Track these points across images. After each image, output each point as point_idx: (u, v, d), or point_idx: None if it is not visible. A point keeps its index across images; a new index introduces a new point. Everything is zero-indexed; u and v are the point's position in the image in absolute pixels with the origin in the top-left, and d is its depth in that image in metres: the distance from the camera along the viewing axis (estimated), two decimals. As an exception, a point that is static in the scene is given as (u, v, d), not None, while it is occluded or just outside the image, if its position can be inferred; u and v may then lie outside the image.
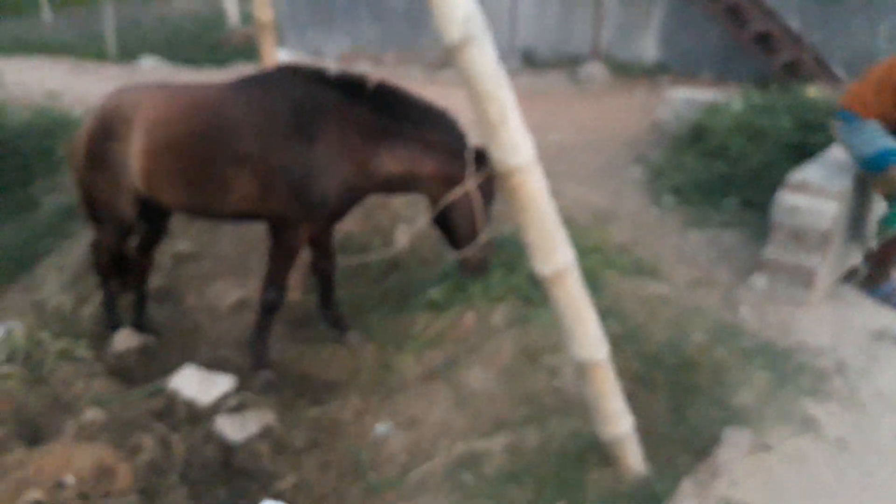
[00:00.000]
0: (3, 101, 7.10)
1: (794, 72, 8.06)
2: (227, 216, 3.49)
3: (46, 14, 25.71)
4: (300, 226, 3.27)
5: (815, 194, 3.72)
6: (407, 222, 4.56)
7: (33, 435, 3.22)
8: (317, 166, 3.11)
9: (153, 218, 3.74)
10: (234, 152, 3.15)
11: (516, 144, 2.10)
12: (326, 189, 3.15)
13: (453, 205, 3.19)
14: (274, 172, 3.12)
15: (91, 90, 9.66)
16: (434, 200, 3.26)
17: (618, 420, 2.50)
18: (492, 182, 3.19)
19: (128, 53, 17.25)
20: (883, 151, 3.56)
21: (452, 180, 3.15)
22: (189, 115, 3.28)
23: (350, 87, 3.16)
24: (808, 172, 3.87)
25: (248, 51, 17.41)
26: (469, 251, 3.27)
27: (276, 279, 3.43)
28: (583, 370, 2.42)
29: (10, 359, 3.85)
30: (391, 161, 3.17)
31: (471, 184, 3.13)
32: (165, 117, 3.29)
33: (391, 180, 3.24)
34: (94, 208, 3.71)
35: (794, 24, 8.31)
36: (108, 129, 3.37)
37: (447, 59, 2.08)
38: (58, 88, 9.11)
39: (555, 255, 2.23)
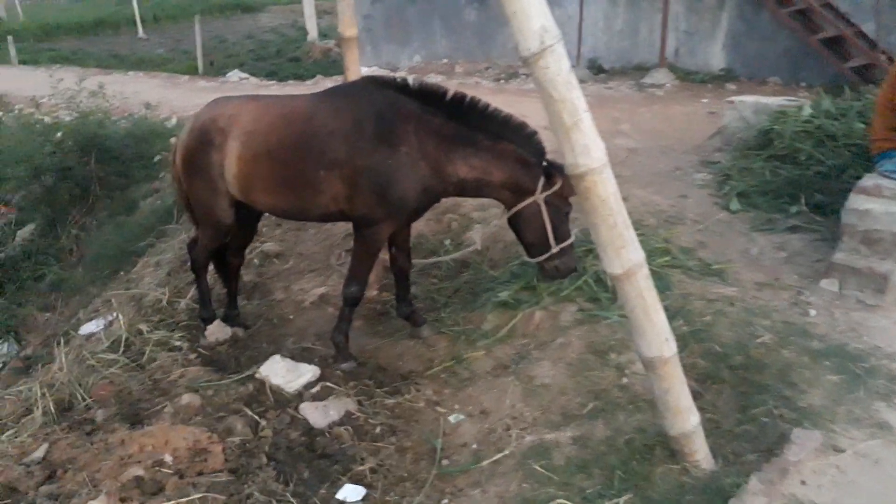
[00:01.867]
0: (106, 111, 7.50)
1: (868, 75, 7.76)
2: (315, 217, 3.68)
3: (140, 31, 26.90)
4: (382, 225, 3.41)
5: (889, 198, 3.59)
6: (481, 224, 4.62)
7: (134, 416, 3.42)
8: (397, 170, 3.25)
9: (246, 220, 3.91)
10: (325, 158, 3.31)
11: (588, 147, 2.13)
12: (406, 191, 3.29)
13: (523, 214, 3.30)
14: (360, 175, 3.27)
15: (183, 102, 10.15)
16: (507, 208, 3.37)
17: (686, 416, 2.49)
18: (564, 196, 3.26)
19: (216, 67, 17.95)
20: None
21: (523, 190, 3.26)
22: (283, 124, 3.45)
23: (429, 97, 3.28)
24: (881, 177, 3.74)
25: (327, 64, 17.88)
26: (544, 258, 3.34)
27: (357, 274, 3.58)
28: (652, 366, 2.42)
29: (113, 348, 4.12)
30: (464, 167, 3.28)
31: (540, 195, 3.20)
32: (261, 127, 3.47)
33: (464, 185, 3.36)
34: (194, 211, 3.91)
35: (868, 27, 7.99)
36: (204, 140, 3.55)
37: (524, 67, 2.13)
38: (153, 100, 9.58)
39: (625, 254, 2.25)
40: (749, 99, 5.98)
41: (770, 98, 6.14)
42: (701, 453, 2.56)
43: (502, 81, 10.57)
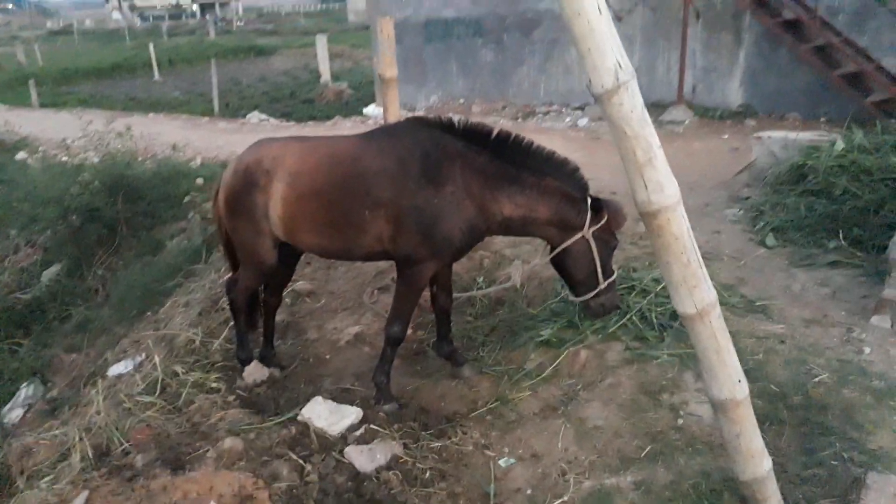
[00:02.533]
0: (133, 152, 7.55)
1: (889, 109, 7.74)
2: (359, 257, 3.63)
3: (156, 75, 27.35)
4: (426, 264, 3.35)
5: (939, 232, 3.52)
6: (519, 261, 4.55)
7: (175, 461, 3.32)
8: (442, 209, 3.21)
9: (286, 260, 3.87)
10: (371, 197, 3.28)
11: (662, 184, 2.08)
12: (451, 230, 3.24)
13: (570, 251, 3.25)
14: (405, 215, 3.24)
15: (206, 143, 10.23)
16: (552, 245, 3.32)
17: (759, 460, 2.39)
18: (611, 230, 3.23)
19: (231, 109, 18.17)
20: None
21: (569, 227, 3.22)
22: (329, 165, 3.43)
23: (473, 136, 3.27)
24: (930, 210, 3.68)
25: (340, 105, 18.08)
26: (589, 296, 3.29)
27: (400, 314, 3.51)
28: (724, 409, 2.33)
29: (148, 390, 4.04)
30: (509, 206, 3.24)
31: (588, 231, 3.16)
32: (306, 168, 3.44)
33: (510, 223, 3.32)
34: (234, 252, 3.87)
35: (888, 61, 8.01)
36: (249, 180, 3.52)
37: (598, 104, 2.09)
38: (176, 142, 9.66)
39: (699, 293, 2.18)
40: (777, 134, 5.96)
41: (797, 133, 6.12)
42: (774, 499, 2.45)
43: (519, 120, 10.63)
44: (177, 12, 62.92)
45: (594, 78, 2.00)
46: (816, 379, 3.18)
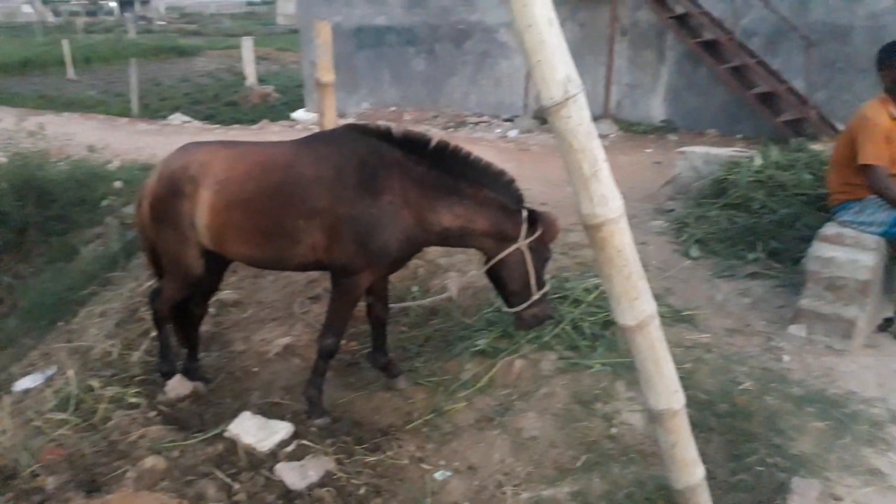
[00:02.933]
0: (46, 153, 7.12)
1: (798, 129, 8.18)
2: (292, 267, 3.52)
3: (71, 73, 26.08)
4: (362, 275, 3.27)
5: (851, 246, 3.71)
6: (457, 273, 4.53)
7: (90, 483, 3.13)
8: (380, 219, 3.14)
9: (214, 269, 3.70)
10: (305, 206, 3.18)
11: (606, 197, 2.09)
12: (388, 240, 3.18)
13: (505, 262, 3.23)
14: (341, 224, 3.15)
15: (125, 144, 9.79)
16: (487, 256, 3.30)
17: (692, 469, 2.43)
18: (545, 242, 3.24)
19: (151, 110, 17.51)
20: (890, 223, 3.68)
21: (505, 238, 3.20)
22: (261, 172, 3.30)
23: (412, 145, 3.21)
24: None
25: (265, 109, 17.70)
26: (523, 307, 3.28)
27: (335, 326, 3.42)
28: (660, 419, 2.35)
29: (61, 406, 3.78)
30: (448, 216, 3.20)
31: (523, 242, 3.16)
32: (236, 175, 3.30)
33: (447, 234, 3.27)
34: (158, 260, 3.68)
35: (799, 84, 8.46)
36: (174, 188, 3.36)
37: (543, 117, 2.08)
38: (92, 143, 9.19)
39: (639, 305, 2.19)
40: (699, 149, 6.18)
41: (719, 149, 6.37)
42: (706, 507, 2.49)
43: (451, 129, 10.66)
44: (93, 8, 60.26)
45: (543, 90, 1.98)
46: (741, 387, 3.28)
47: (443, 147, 3.19)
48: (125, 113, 16.10)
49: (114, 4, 63.54)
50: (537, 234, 3.19)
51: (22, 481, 3.18)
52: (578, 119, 1.99)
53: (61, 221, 6.81)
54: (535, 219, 3.20)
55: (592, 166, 2.04)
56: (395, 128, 3.30)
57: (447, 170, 3.17)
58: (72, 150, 8.35)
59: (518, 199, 3.25)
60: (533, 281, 3.24)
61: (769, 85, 8.56)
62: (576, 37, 10.25)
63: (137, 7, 60.53)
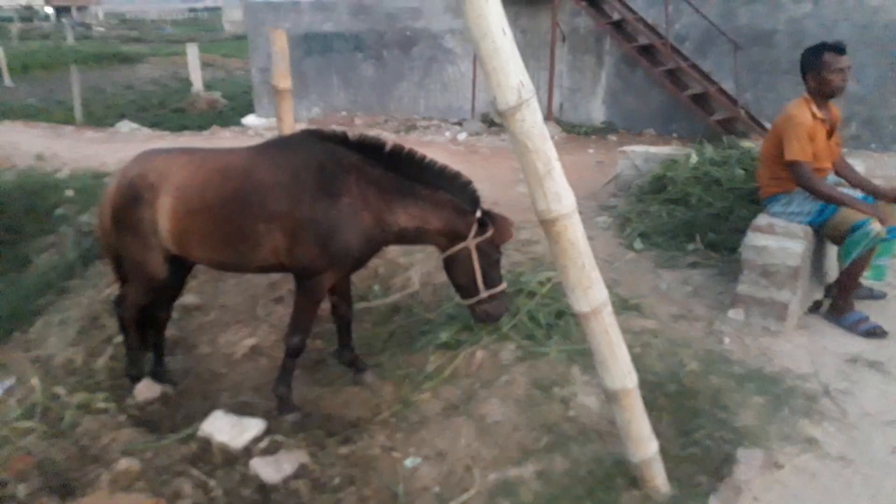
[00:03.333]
0: (-5, 162, 6.92)
1: (729, 127, 8.55)
2: (253, 270, 3.56)
3: (7, 80, 25.12)
4: (324, 275, 3.34)
5: (781, 235, 3.95)
6: (419, 266, 4.62)
7: (63, 489, 3.11)
8: (339, 220, 3.22)
9: (177, 273, 3.71)
10: (265, 211, 3.23)
11: (560, 194, 2.22)
12: (349, 241, 3.26)
13: (455, 258, 3.34)
14: (301, 227, 3.21)
15: (73, 153, 9.51)
16: (441, 252, 3.43)
17: (647, 444, 2.59)
18: (493, 243, 3.34)
19: (95, 118, 17.03)
20: (816, 213, 3.93)
21: (457, 237, 3.31)
22: (220, 179, 3.33)
23: (368, 149, 3.30)
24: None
25: (213, 115, 17.43)
26: (473, 302, 3.40)
27: (300, 325, 3.48)
28: (616, 398, 2.51)
29: (26, 415, 3.73)
30: (404, 217, 3.30)
31: (471, 241, 3.28)
32: (195, 182, 3.33)
33: (405, 234, 3.38)
34: (121, 267, 3.67)
35: (728, 85, 8.84)
36: (133, 195, 3.37)
37: (492, 120, 2.20)
38: (37, 151, 8.94)
39: (592, 293, 2.34)
40: (639, 149, 6.42)
41: (657, 147, 6.63)
42: (660, 478, 2.66)
43: (402, 133, 10.73)
44: (27, 14, 57.93)
45: (498, 95, 2.11)
46: (687, 368, 3.47)
47: (398, 151, 3.29)
48: (69, 121, 15.59)
49: (50, 10, 61.26)
50: (486, 235, 3.29)
51: (-8, 490, 3.14)
52: (532, 122, 2.12)
53: (11, 232, 6.62)
54: (485, 220, 3.31)
55: (546, 165, 2.18)
56: (352, 132, 3.39)
57: (403, 172, 3.28)
58: (17, 160, 8.09)
59: (473, 200, 3.35)
60: (479, 278, 3.33)
61: (701, 86, 8.92)
62: (519, 42, 10.36)
63: (75, 13, 58.55)
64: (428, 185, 3.28)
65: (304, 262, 3.29)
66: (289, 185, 3.21)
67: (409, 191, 3.27)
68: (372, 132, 10.89)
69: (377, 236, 3.34)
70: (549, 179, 2.21)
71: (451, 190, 3.31)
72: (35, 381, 3.89)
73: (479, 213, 3.31)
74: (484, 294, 3.35)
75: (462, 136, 10.12)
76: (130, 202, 3.37)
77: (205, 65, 24.49)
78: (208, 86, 22.78)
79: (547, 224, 2.28)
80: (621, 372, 2.47)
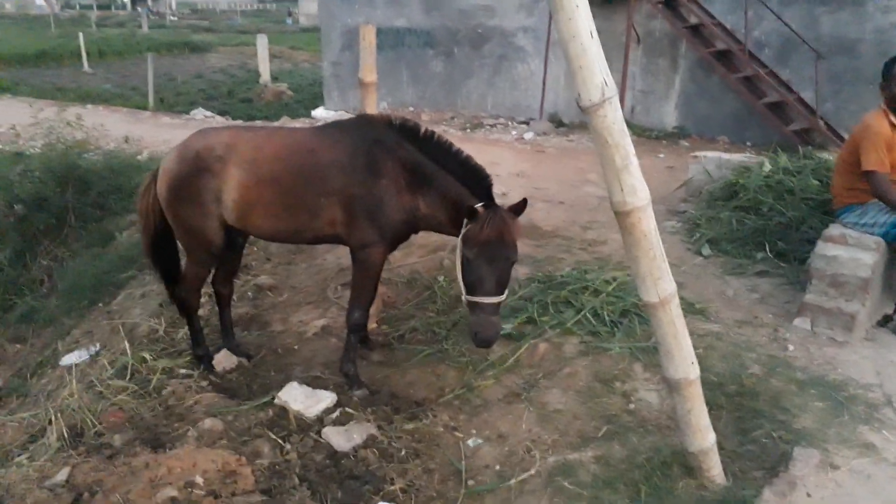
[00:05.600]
0: (86, 141, 7.47)
1: (807, 138, 8.48)
2: (307, 240, 3.91)
3: (86, 65, 26.45)
4: (374, 247, 3.64)
5: (853, 246, 4.02)
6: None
7: (155, 441, 3.45)
8: (381, 198, 3.53)
9: (231, 248, 4.06)
10: (325, 186, 3.57)
11: (636, 188, 2.41)
12: (391, 216, 3.57)
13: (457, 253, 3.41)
14: (353, 201, 3.55)
15: (152, 136, 10.13)
16: None
17: (705, 433, 2.75)
18: (475, 239, 3.21)
19: (166, 104, 17.85)
20: (890, 225, 3.99)
21: (459, 230, 3.39)
22: (287, 154, 3.67)
23: (407, 133, 3.59)
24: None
25: (279, 106, 18.03)
26: (464, 299, 3.35)
27: (359, 300, 3.78)
28: (678, 387, 2.68)
29: (118, 375, 4.11)
30: (423, 205, 3.57)
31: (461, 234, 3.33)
32: (263, 156, 3.67)
33: (426, 219, 3.62)
34: (159, 251, 4.08)
35: (808, 95, 8.77)
36: (200, 166, 3.66)
37: (584, 115, 2.41)
38: (119, 134, 9.54)
39: (662, 284, 2.52)
40: (711, 154, 6.50)
41: (730, 154, 6.68)
42: (716, 469, 2.82)
43: (468, 130, 10.99)
44: (105, 3, 60.77)
45: (583, 92, 2.32)
46: (749, 371, 3.60)
47: (429, 136, 3.56)
48: (142, 106, 16.45)
49: (126, -1, 64.05)
50: (465, 229, 3.28)
51: (89, 438, 3.51)
52: (613, 118, 2.32)
53: (98, 208, 7.14)
54: (473, 213, 3.25)
55: (624, 159, 2.38)
56: (394, 117, 3.67)
57: (432, 157, 3.51)
58: (106, 141, 8.67)
59: (486, 195, 3.41)
60: (459, 275, 3.32)
61: (779, 95, 8.87)
62: (592, 43, 10.56)
63: (149, 2, 61.07)
64: (448, 173, 3.47)
65: (356, 233, 3.61)
66: (345, 164, 3.56)
67: (431, 181, 3.49)
68: (438, 128, 11.19)
69: (409, 217, 3.62)
70: (626, 173, 2.40)
71: (467, 182, 3.46)
72: (126, 346, 4.26)
73: (478, 206, 3.27)
74: (464, 297, 3.32)
75: (529, 136, 10.30)
76: (196, 172, 3.67)
77: (272, 56, 25.31)
78: (275, 77, 23.54)
79: (622, 216, 2.47)
80: (685, 362, 2.64)
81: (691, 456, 2.82)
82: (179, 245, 4.11)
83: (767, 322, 4.24)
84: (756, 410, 3.31)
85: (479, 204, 3.30)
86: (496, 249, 3.19)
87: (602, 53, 2.30)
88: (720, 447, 3.06)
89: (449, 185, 3.45)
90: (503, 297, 3.29)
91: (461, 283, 3.32)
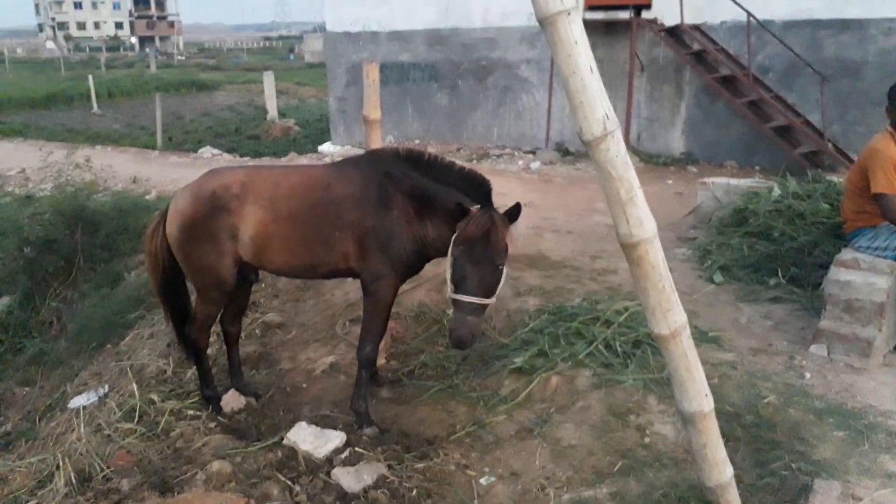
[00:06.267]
0: (94, 183, 7.56)
1: (815, 160, 8.48)
2: (321, 274, 3.93)
3: (95, 106, 26.93)
4: (386, 279, 3.68)
5: (867, 270, 3.99)
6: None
7: (163, 485, 3.43)
8: (392, 229, 3.59)
9: (240, 287, 4.09)
10: (341, 219, 3.64)
11: (642, 219, 2.41)
12: (401, 248, 3.63)
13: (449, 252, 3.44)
14: (366, 234, 3.61)
15: (160, 176, 10.25)
16: None
17: (722, 467, 2.70)
18: (465, 237, 3.26)
19: (174, 143, 18.10)
20: None
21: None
22: (303, 191, 3.74)
23: (412, 160, 3.66)
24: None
25: (287, 142, 18.25)
26: (448, 294, 3.40)
27: (371, 334, 3.79)
28: (692, 421, 2.64)
29: (126, 418, 4.10)
30: (431, 227, 3.61)
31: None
32: (281, 193, 3.73)
33: (435, 244, 3.62)
34: (172, 296, 4.14)
35: (815, 117, 8.79)
36: (216, 205, 3.70)
37: (587, 149, 2.42)
38: (127, 175, 9.68)
39: (671, 316, 2.50)
40: (719, 180, 6.50)
41: (739, 180, 6.68)
42: (735, 504, 2.76)
43: (475, 161, 11.05)
44: (114, 44, 62.03)
45: (584, 127, 2.33)
46: (765, 400, 3.55)
47: (433, 159, 3.63)
48: (150, 145, 16.69)
49: (134, 40, 65.36)
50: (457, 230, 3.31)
51: (97, 483, 3.50)
52: (616, 151, 2.33)
53: (106, 250, 7.21)
54: (464, 211, 3.29)
55: (629, 192, 2.37)
56: (402, 148, 3.76)
57: (434, 177, 3.57)
58: (114, 182, 8.79)
59: (484, 199, 3.42)
60: (448, 274, 3.34)
61: (786, 118, 8.90)
62: (595, 72, 10.66)
63: (157, 42, 62.32)
64: (451, 186, 3.51)
65: (369, 265, 3.66)
66: (358, 198, 3.63)
67: (436, 199, 3.52)
68: (445, 160, 11.28)
69: (419, 247, 3.67)
70: (632, 205, 2.40)
71: (468, 191, 3.49)
72: (133, 388, 4.26)
73: (472, 207, 3.32)
74: (449, 293, 3.34)
75: (535, 165, 10.36)
76: (212, 211, 3.72)
77: (279, 92, 25.72)
78: (282, 113, 23.87)
79: (628, 248, 2.47)
80: (698, 394, 2.61)
81: (709, 491, 2.77)
82: (188, 285, 4.14)
83: (783, 349, 4.20)
84: (774, 441, 3.26)
85: (475, 207, 3.35)
86: (481, 248, 3.24)
87: (602, 88, 2.32)
88: (738, 480, 3.00)
89: (451, 198, 3.46)
90: (488, 300, 3.32)
91: (448, 281, 3.33)
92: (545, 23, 2.27)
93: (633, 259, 2.47)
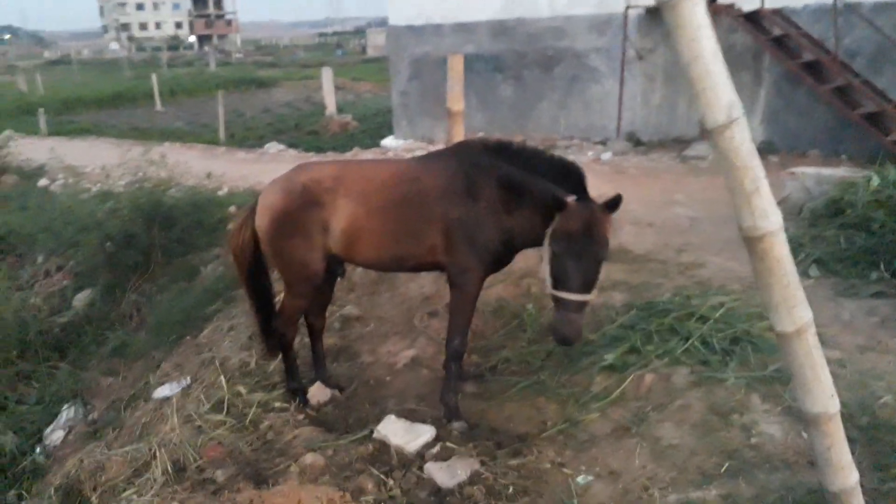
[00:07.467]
0: (168, 180, 7.76)
1: (910, 149, 8.08)
2: (408, 267, 3.96)
3: (158, 105, 27.77)
4: (473, 272, 3.67)
5: None
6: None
7: (257, 476, 3.48)
8: (479, 221, 3.57)
9: (328, 280, 4.17)
10: (429, 212, 3.64)
11: (767, 211, 2.30)
12: (489, 240, 3.60)
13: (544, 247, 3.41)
14: (453, 226, 3.60)
15: (229, 172, 10.46)
16: None
17: (847, 472, 2.57)
18: (565, 232, 3.22)
19: (236, 140, 18.48)
20: None
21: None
22: (395, 184, 3.76)
23: (501, 150, 3.62)
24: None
25: (346, 138, 18.42)
26: (547, 291, 3.39)
27: (459, 327, 3.78)
28: (816, 422, 2.52)
29: (215, 409, 4.19)
30: (519, 217, 3.56)
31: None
32: (373, 187, 3.76)
33: (523, 235, 3.59)
34: (258, 288, 4.16)
35: (908, 103, 8.38)
36: (308, 199, 3.74)
37: (705, 138, 2.33)
38: (197, 170, 9.89)
39: (797, 312, 2.39)
40: (810, 170, 6.26)
41: (830, 169, 6.42)
42: (861, 510, 2.63)
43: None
44: (174, 44, 63.88)
45: (708, 114, 2.24)
46: (881, 401, 3.38)
47: (521, 147, 3.62)
48: (214, 142, 17.09)
49: (193, 39, 67.16)
50: (554, 223, 3.28)
51: (192, 473, 3.57)
52: (741, 139, 2.23)
53: (182, 244, 7.40)
54: (560, 204, 3.24)
55: (754, 182, 2.27)
56: (490, 138, 3.76)
57: (522, 165, 3.51)
58: (186, 178, 9.01)
59: (578, 187, 3.35)
60: (545, 269, 3.31)
61: (876, 104, 8.50)
62: (668, 61, 10.42)
63: (216, 41, 63.88)
64: (541, 175, 3.44)
65: (456, 258, 3.65)
66: (445, 189, 3.63)
67: (524, 188, 3.48)
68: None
69: (507, 238, 3.64)
70: (757, 196, 2.29)
71: (558, 179, 3.40)
72: (221, 380, 4.35)
73: (569, 198, 3.25)
74: (548, 290, 3.32)
75: (606, 156, 10.17)
76: (303, 205, 3.75)
77: (337, 88, 25.98)
78: (340, 108, 24.11)
79: (752, 241, 2.36)
80: (824, 395, 2.49)
81: (832, 496, 2.64)
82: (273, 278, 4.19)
83: (893, 347, 4.00)
84: (894, 444, 3.10)
85: (571, 197, 3.27)
86: (582, 243, 3.17)
87: (726, 73, 2.23)
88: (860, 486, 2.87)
89: (541, 186, 3.42)
90: (590, 296, 3.26)
91: (546, 277, 3.31)
92: (666, 6, 2.18)
93: (758, 253, 2.37)
